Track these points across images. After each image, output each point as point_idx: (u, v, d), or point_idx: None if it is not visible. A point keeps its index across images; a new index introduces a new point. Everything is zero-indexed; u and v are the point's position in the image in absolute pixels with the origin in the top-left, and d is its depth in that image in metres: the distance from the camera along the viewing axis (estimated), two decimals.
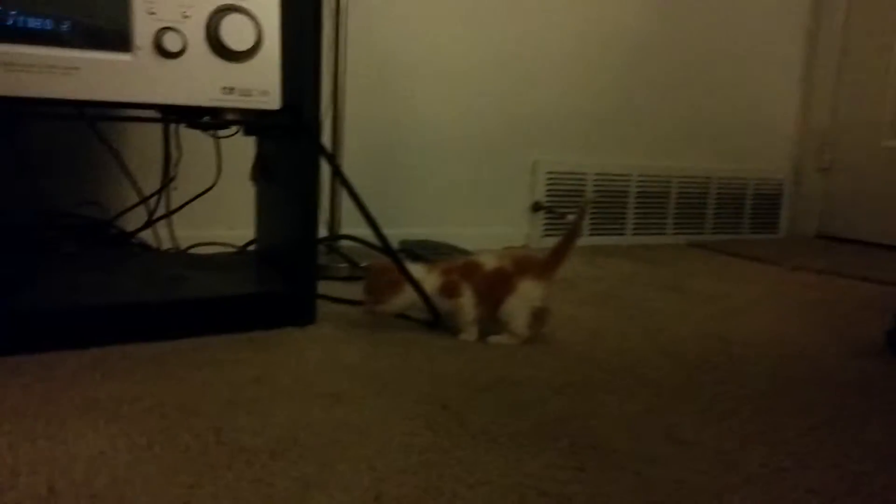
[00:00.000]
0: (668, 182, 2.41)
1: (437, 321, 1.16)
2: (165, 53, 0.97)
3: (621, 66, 2.27)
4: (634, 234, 2.37)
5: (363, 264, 1.37)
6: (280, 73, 1.05)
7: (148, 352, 0.97)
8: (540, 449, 0.74)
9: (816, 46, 2.65)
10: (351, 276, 1.53)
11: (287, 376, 0.91)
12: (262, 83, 1.04)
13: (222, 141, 1.46)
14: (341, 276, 1.52)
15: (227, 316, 1.08)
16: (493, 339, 1.12)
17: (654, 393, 0.94)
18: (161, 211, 1.53)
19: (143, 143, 1.57)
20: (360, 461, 0.69)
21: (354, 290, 1.38)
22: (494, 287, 1.10)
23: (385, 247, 1.17)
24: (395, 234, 1.80)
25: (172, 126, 1.45)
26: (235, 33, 1.00)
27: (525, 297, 1.10)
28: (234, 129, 1.26)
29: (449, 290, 1.11)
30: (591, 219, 2.26)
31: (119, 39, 0.95)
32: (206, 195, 1.55)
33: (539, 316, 1.12)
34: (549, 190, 2.18)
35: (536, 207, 2.16)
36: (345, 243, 1.66)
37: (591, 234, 2.26)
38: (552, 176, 2.18)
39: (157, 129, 1.52)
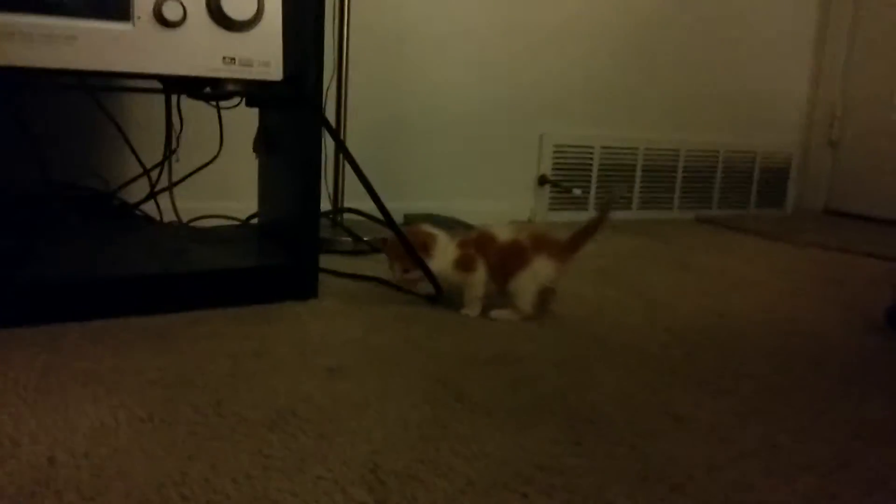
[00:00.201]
0: (676, 155, 2.40)
1: (439, 296, 1.17)
2: (165, 23, 0.96)
3: (630, 38, 2.24)
4: (641, 209, 2.35)
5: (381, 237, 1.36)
6: (281, 44, 1.03)
7: (150, 324, 0.97)
8: (537, 423, 0.74)
9: (827, 19, 2.62)
10: (354, 249, 1.52)
11: (287, 350, 0.91)
12: (263, 53, 1.03)
13: (225, 112, 1.45)
14: (344, 250, 1.52)
15: (229, 289, 1.08)
16: (496, 313, 1.12)
17: (654, 369, 0.94)
18: (163, 183, 1.52)
19: (146, 114, 1.56)
20: (357, 434, 0.69)
21: (357, 265, 1.39)
22: (508, 259, 1.09)
23: (387, 220, 1.17)
24: (400, 207, 1.79)
25: (174, 97, 1.44)
26: (236, 2, 0.99)
27: (537, 273, 1.09)
28: (236, 100, 1.25)
29: (465, 264, 1.11)
30: (598, 194, 2.25)
31: (119, 8, 0.94)
32: (208, 167, 1.54)
33: (544, 295, 1.12)
34: (555, 163, 2.17)
35: (542, 181, 2.15)
36: (348, 217, 1.66)
37: (597, 210, 2.25)
38: (559, 149, 2.16)
39: (159, 99, 1.51)
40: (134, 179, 1.53)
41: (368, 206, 1.22)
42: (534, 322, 1.10)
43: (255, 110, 1.33)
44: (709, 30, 2.38)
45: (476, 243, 1.12)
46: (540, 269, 1.09)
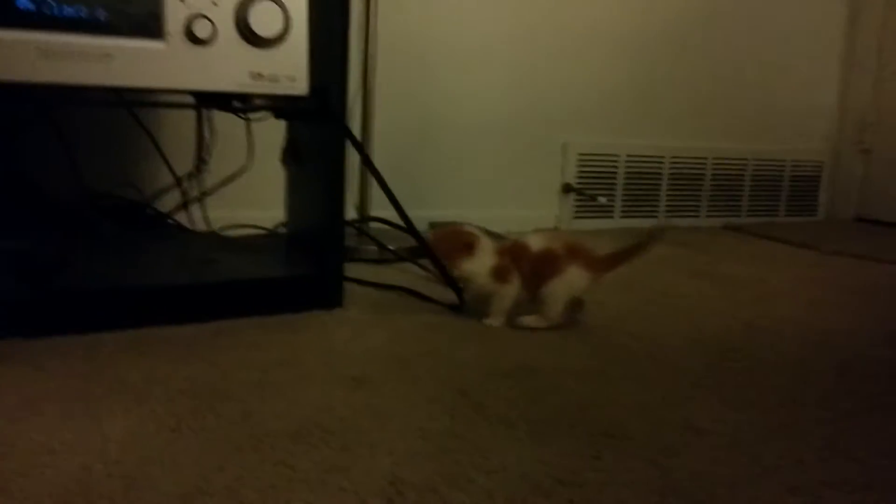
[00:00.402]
0: (703, 163, 2.38)
1: (462, 305, 1.18)
2: (196, 40, 0.99)
3: (654, 45, 2.23)
4: (668, 217, 2.34)
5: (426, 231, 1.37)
6: (307, 60, 1.06)
7: (181, 334, 1.00)
8: (558, 436, 0.75)
9: (857, 25, 2.58)
10: (380, 258, 1.54)
11: (313, 360, 0.93)
12: (289, 69, 1.05)
13: (254, 124, 1.48)
14: (370, 259, 1.54)
15: (256, 299, 1.10)
16: (523, 320, 1.12)
17: (675, 381, 0.94)
18: (195, 193, 1.56)
19: (178, 126, 1.60)
20: (378, 445, 0.70)
21: (383, 273, 1.40)
22: (541, 267, 1.10)
23: (409, 228, 1.19)
24: (425, 215, 1.81)
25: (205, 110, 1.48)
26: (264, 20, 1.01)
27: (570, 282, 1.10)
28: (264, 112, 1.28)
29: (500, 274, 1.11)
30: (623, 201, 2.25)
31: (151, 27, 0.97)
32: (238, 177, 1.57)
33: (572, 305, 1.13)
34: (579, 171, 2.17)
35: (567, 189, 2.15)
36: (374, 225, 1.68)
37: (623, 217, 2.25)
38: (583, 157, 2.16)
39: (190, 112, 1.55)
40: (167, 190, 1.57)
41: (394, 214, 1.23)
42: (556, 332, 1.11)
43: (283, 122, 1.36)
44: (736, 36, 2.36)
45: (511, 253, 1.12)
46: (573, 279, 1.10)
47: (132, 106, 1.45)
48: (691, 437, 0.77)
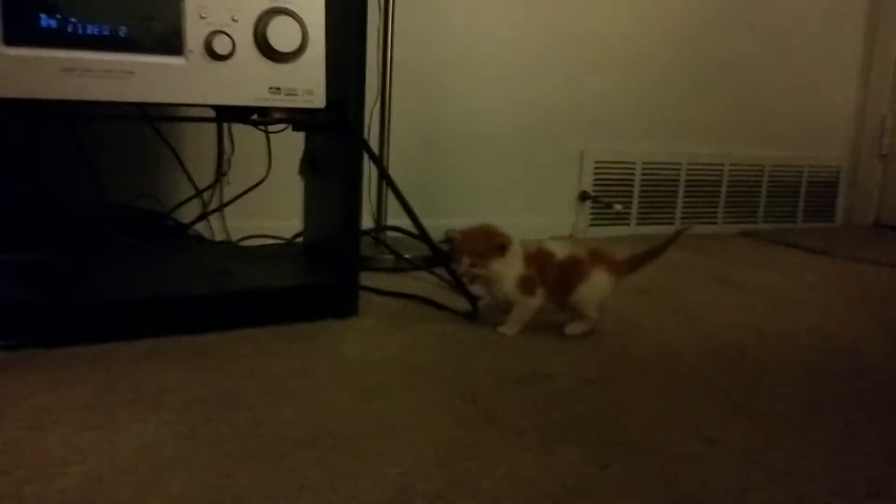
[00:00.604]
0: (720, 170, 2.37)
1: (476, 313, 1.19)
2: (216, 56, 1.01)
3: (672, 52, 2.23)
4: (684, 224, 2.34)
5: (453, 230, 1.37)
6: (324, 73, 1.08)
7: (196, 343, 1.02)
8: (567, 444, 0.76)
9: (876, 30, 2.56)
10: (396, 267, 1.56)
11: (326, 369, 0.95)
12: (307, 83, 1.08)
13: (272, 135, 1.51)
14: (387, 268, 1.56)
15: (273, 308, 1.12)
16: (571, 329, 1.14)
17: (686, 389, 0.94)
18: (215, 204, 1.59)
19: (198, 138, 1.63)
20: (389, 454, 0.72)
21: (399, 282, 1.42)
22: (567, 274, 1.11)
23: (425, 238, 1.20)
24: (442, 223, 1.82)
25: (225, 123, 1.51)
26: (282, 35, 1.04)
27: (597, 286, 1.12)
28: (283, 125, 1.30)
29: (526, 286, 1.12)
30: (640, 208, 2.25)
31: (172, 44, 1.00)
32: (257, 188, 1.60)
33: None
34: (596, 179, 2.17)
35: (583, 197, 2.16)
36: (391, 234, 1.70)
37: (640, 224, 2.25)
38: (600, 165, 2.17)
39: (210, 126, 1.58)
40: (187, 201, 1.60)
41: (410, 223, 1.25)
42: (568, 339, 1.12)
43: (302, 134, 1.38)
44: (753, 43, 2.36)
45: (538, 261, 1.12)
46: (600, 282, 1.12)
47: (153, 120, 1.48)
48: (701, 446, 0.77)
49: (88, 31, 0.96)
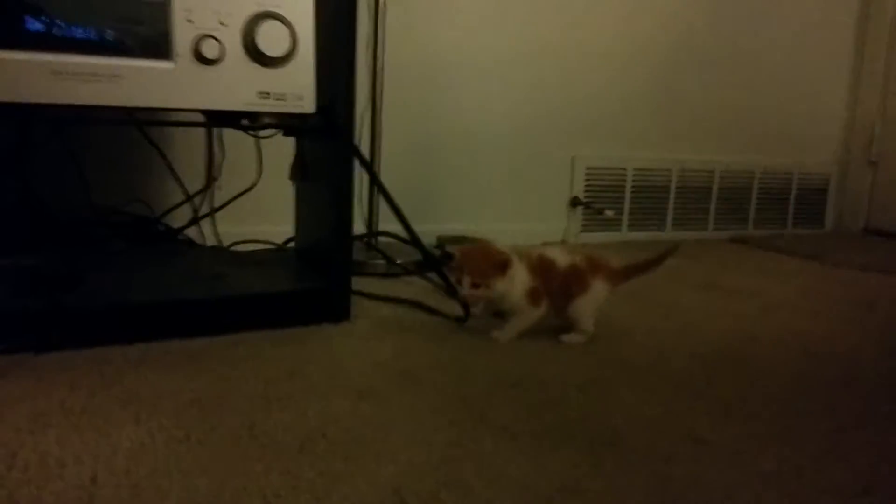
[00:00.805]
0: (711, 176, 2.39)
1: (467, 317, 1.19)
2: (204, 60, 1.01)
3: (663, 59, 2.25)
4: (674, 230, 2.35)
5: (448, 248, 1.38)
6: (314, 78, 1.08)
7: (189, 347, 1.01)
8: (559, 446, 0.76)
9: (866, 37, 2.59)
10: (388, 272, 1.56)
11: (319, 372, 0.95)
12: (296, 88, 1.08)
13: (263, 140, 1.51)
14: (379, 273, 1.56)
15: (266, 312, 1.12)
16: (566, 338, 1.14)
17: (677, 392, 0.94)
18: (205, 209, 1.58)
19: (188, 143, 1.62)
20: (383, 456, 0.72)
21: (391, 287, 1.42)
22: (569, 285, 1.12)
23: (416, 243, 1.20)
24: (433, 229, 1.83)
25: (215, 128, 1.50)
26: (271, 40, 1.04)
27: (595, 297, 1.13)
28: (273, 129, 1.30)
29: (534, 298, 1.11)
30: (631, 214, 2.26)
31: (160, 47, 0.99)
32: (248, 193, 1.60)
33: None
34: (587, 185, 2.18)
35: (575, 203, 2.17)
36: (383, 239, 1.70)
37: (630, 230, 2.26)
38: (591, 171, 2.18)
39: (200, 130, 1.58)
40: (177, 206, 1.59)
41: (402, 229, 1.25)
42: (560, 344, 1.12)
43: (292, 139, 1.38)
44: (743, 49, 2.38)
45: (541, 271, 1.12)
46: (598, 293, 1.13)
47: (142, 124, 1.48)
48: (691, 447, 0.78)
49: (76, 35, 0.95)
